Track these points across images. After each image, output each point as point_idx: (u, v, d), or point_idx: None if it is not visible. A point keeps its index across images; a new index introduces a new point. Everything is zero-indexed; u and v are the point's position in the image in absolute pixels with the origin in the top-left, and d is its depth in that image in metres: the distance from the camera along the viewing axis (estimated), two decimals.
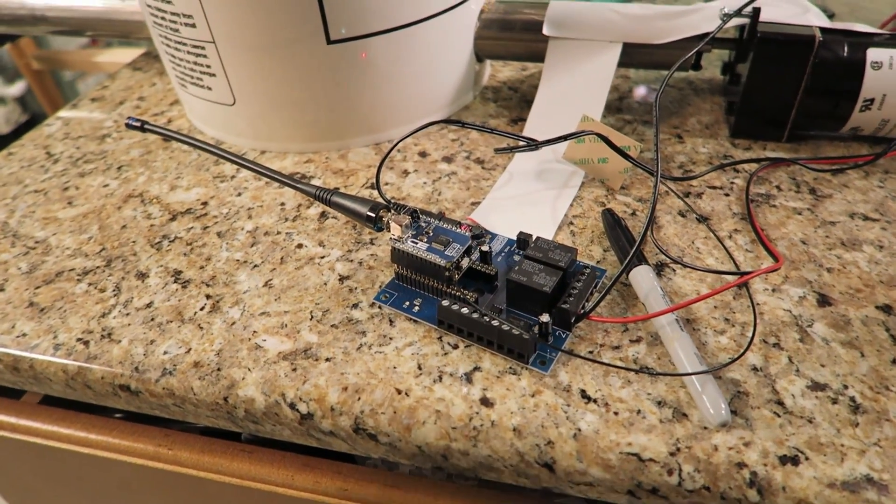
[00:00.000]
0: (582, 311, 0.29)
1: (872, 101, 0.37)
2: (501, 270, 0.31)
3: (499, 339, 0.27)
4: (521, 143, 0.35)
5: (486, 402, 0.26)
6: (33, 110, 1.69)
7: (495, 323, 0.27)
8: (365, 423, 0.27)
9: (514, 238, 0.33)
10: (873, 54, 0.37)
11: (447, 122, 0.36)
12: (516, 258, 0.32)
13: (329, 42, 0.37)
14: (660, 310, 0.28)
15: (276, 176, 0.34)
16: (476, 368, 0.28)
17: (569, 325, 0.28)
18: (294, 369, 0.28)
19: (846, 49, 0.37)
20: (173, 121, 0.48)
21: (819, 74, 0.37)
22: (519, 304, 0.30)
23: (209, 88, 0.41)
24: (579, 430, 0.25)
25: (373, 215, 0.31)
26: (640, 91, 0.48)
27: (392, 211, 0.31)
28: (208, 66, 0.39)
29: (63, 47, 1.33)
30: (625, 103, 0.46)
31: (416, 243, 0.30)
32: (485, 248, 0.31)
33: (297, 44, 0.37)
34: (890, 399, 0.26)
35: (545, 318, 0.27)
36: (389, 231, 0.30)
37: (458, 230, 0.31)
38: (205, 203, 0.39)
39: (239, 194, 0.39)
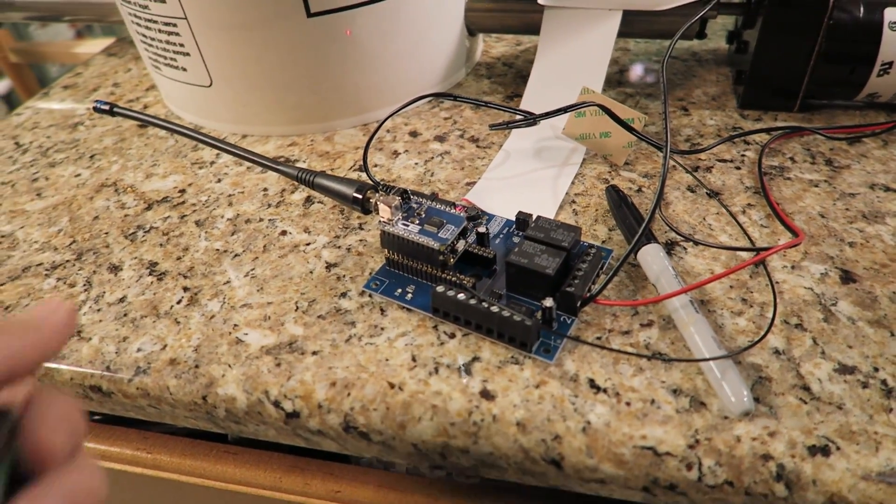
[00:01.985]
0: (588, 295, 0.26)
1: (891, 64, 0.35)
2: (500, 253, 0.29)
3: (499, 327, 0.25)
4: (517, 118, 0.33)
5: (486, 394, 0.24)
6: None
7: (494, 309, 0.25)
8: (355, 421, 0.24)
9: (513, 219, 0.31)
10: (891, 14, 0.34)
11: (437, 95, 0.34)
12: (515, 239, 0.30)
13: (310, 15, 0.35)
14: (672, 291, 0.26)
15: (256, 158, 0.31)
16: (475, 359, 0.26)
17: (574, 309, 0.26)
18: (278, 364, 0.26)
19: (862, 9, 0.35)
20: (149, 107, 0.45)
21: (834, 38, 0.35)
22: (520, 288, 0.27)
23: (184, 69, 0.39)
24: (588, 422, 0.23)
25: (359, 196, 0.29)
26: (637, 70, 0.45)
27: (380, 192, 0.29)
28: (181, 45, 0.37)
29: (52, 39, 1.30)
30: (625, 76, 0.44)
31: (408, 226, 0.28)
32: (481, 229, 0.29)
33: (275, 18, 0.35)
34: None
35: (548, 302, 0.25)
36: (378, 214, 0.28)
37: (453, 211, 0.29)
38: (182, 191, 0.36)
39: (219, 181, 0.37)
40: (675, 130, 0.38)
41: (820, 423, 0.23)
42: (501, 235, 0.31)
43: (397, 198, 0.28)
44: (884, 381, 0.24)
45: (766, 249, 0.27)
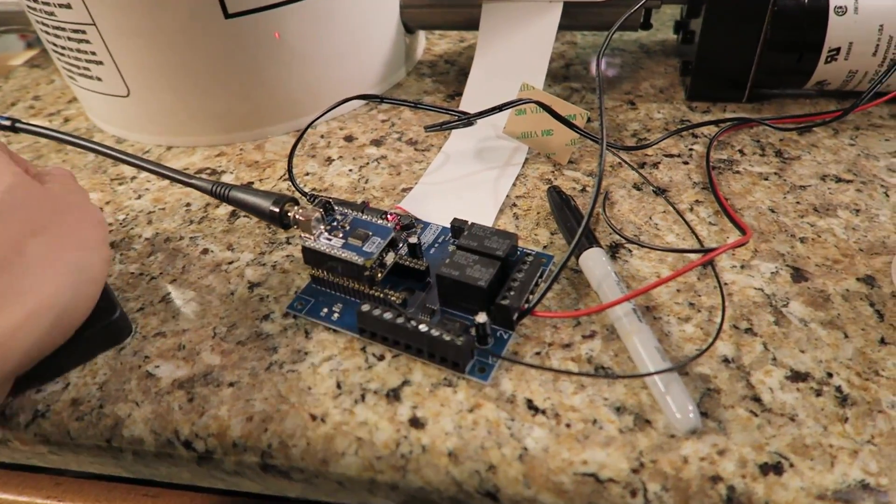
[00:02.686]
0: (526, 307, 0.25)
1: (838, 50, 0.34)
2: (435, 265, 0.27)
3: (429, 347, 0.23)
4: (452, 119, 0.31)
5: (416, 422, 0.22)
6: None
7: (423, 328, 0.23)
8: (274, 459, 0.22)
9: (449, 226, 0.29)
10: None
11: (364, 97, 0.32)
12: (452, 249, 0.28)
13: (227, 16, 0.33)
14: (615, 299, 0.24)
15: (164, 171, 0.29)
16: (405, 383, 0.24)
17: (511, 323, 0.24)
18: (190, 399, 0.24)
19: None
20: (71, 120, 0.42)
21: (780, 25, 0.34)
22: (453, 302, 0.25)
23: (99, 79, 0.36)
24: (526, 449, 0.21)
25: (276, 210, 0.26)
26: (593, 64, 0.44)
27: (299, 205, 0.27)
28: (93, 54, 0.34)
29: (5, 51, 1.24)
30: (571, 70, 0.42)
31: (331, 240, 0.26)
32: (413, 239, 0.27)
33: (189, 21, 0.32)
34: (881, 386, 0.22)
35: (482, 317, 0.23)
36: (298, 228, 0.26)
37: (382, 221, 0.27)
38: (99, 210, 0.34)
39: (139, 197, 0.34)
40: (621, 125, 0.36)
41: (772, 438, 0.21)
42: (437, 245, 0.29)
43: (318, 210, 0.26)
44: (838, 388, 0.22)
45: (712, 250, 0.25)
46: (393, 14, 0.40)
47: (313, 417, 0.23)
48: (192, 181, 0.28)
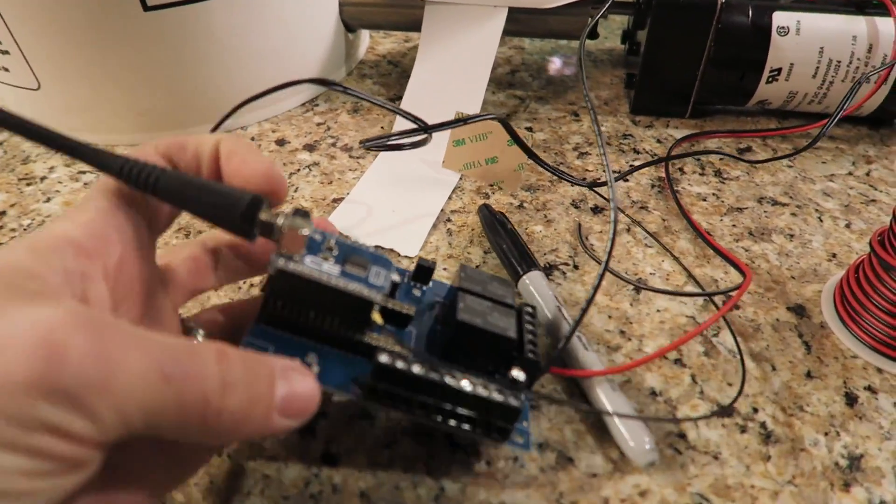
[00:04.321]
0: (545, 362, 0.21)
1: (780, 70, 0.33)
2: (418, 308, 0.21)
3: (474, 409, 0.18)
4: (393, 136, 0.29)
5: (328, 458, 0.21)
6: None
7: (467, 385, 0.18)
8: (174, 500, 0.21)
9: (376, 247, 0.27)
10: (779, 18, 0.33)
11: (317, 82, 0.28)
12: (416, 293, 0.22)
13: (147, 9, 0.30)
14: (606, 368, 0.22)
15: (69, 143, 0.17)
16: (324, 415, 0.22)
17: (532, 381, 0.20)
18: None
19: (751, 13, 0.33)
20: None
21: (723, 42, 0.33)
22: (464, 356, 0.20)
23: (5, 69, 0.33)
24: (442, 489, 0.20)
25: (248, 211, 0.17)
26: (556, 64, 0.43)
27: (285, 212, 0.18)
28: None
29: None
30: (517, 77, 0.41)
31: (320, 265, 0.18)
32: (395, 276, 0.20)
33: (104, 13, 0.30)
34: (805, 423, 0.22)
35: (519, 375, 0.19)
36: (279, 243, 0.18)
37: (365, 247, 0.20)
38: (2, 213, 0.31)
39: (48, 200, 0.32)
40: (563, 138, 0.35)
41: (694, 478, 0.20)
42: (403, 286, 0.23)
43: (308, 223, 0.18)
44: (763, 424, 0.22)
45: (720, 299, 0.24)
46: (331, 11, 0.38)
47: (218, 453, 0.21)
48: (105, 161, 0.17)
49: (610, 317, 0.26)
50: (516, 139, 0.29)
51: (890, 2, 0.32)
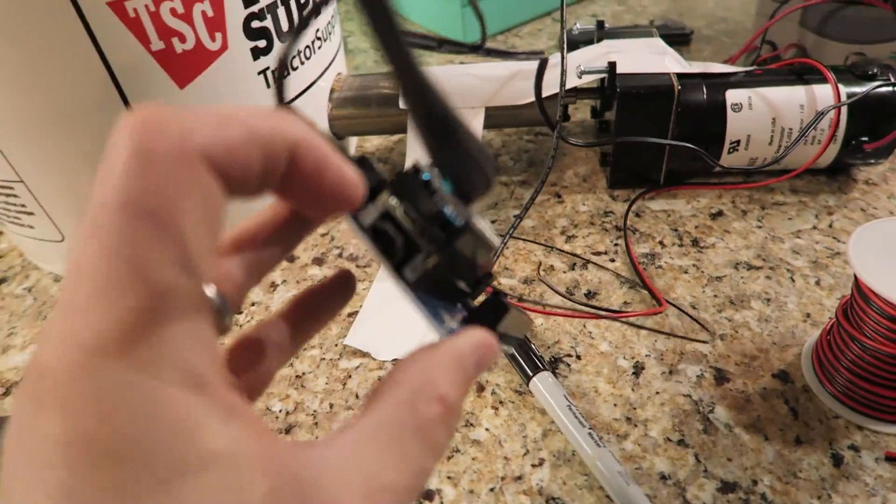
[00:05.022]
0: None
1: (739, 142, 0.37)
2: None
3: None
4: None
5: None
6: None
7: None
8: None
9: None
10: (732, 96, 0.36)
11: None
12: None
13: None
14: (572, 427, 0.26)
15: None
16: None
17: None
18: None
19: (706, 94, 0.36)
20: (4, 255, 0.42)
21: (684, 123, 0.36)
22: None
23: (31, 227, 0.36)
24: None
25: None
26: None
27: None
28: (23, 206, 0.34)
29: None
30: (499, 161, 0.44)
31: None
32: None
33: None
34: (800, 489, 0.25)
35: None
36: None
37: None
38: None
39: None
40: (550, 222, 0.38)
41: None
42: None
43: None
44: (763, 496, 0.25)
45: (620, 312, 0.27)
46: (321, 126, 0.41)
47: None
48: None
49: (615, 405, 0.28)
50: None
51: (825, 69, 0.36)
